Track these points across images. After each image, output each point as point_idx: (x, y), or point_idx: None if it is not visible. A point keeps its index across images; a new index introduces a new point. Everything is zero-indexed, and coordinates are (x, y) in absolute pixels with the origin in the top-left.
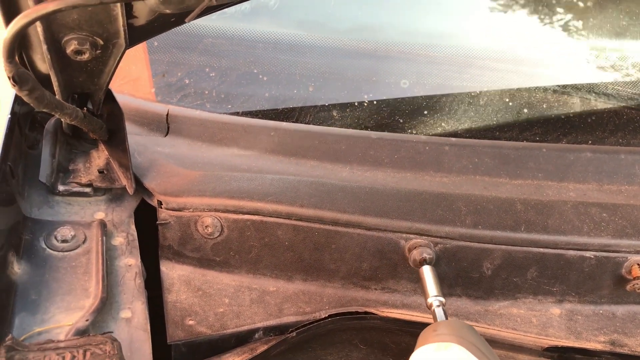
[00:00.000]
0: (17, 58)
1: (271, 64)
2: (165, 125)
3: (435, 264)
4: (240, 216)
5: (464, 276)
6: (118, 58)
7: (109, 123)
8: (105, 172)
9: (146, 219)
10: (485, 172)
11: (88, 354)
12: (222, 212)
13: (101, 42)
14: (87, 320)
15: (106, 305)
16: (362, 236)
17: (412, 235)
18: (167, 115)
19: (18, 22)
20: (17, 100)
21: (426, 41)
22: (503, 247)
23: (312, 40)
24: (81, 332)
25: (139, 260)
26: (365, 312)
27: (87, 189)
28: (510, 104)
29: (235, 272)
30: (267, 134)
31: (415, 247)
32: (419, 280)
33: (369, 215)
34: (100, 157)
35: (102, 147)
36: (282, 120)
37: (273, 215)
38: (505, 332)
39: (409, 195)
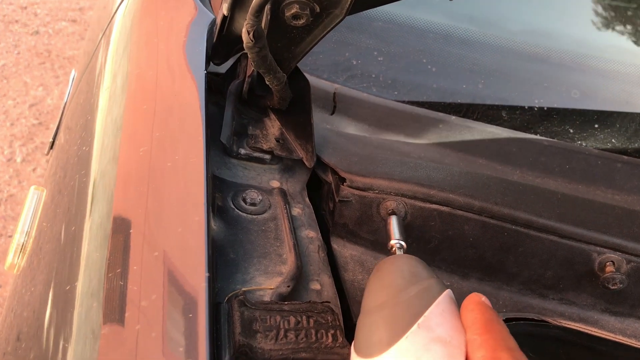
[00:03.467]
0: None
1: (441, 55)
2: (331, 104)
3: (627, 282)
4: (428, 205)
5: None
6: (328, 29)
7: (293, 93)
8: (281, 141)
9: None
10: None
11: (312, 321)
12: (410, 197)
13: (318, 10)
14: (288, 287)
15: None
16: (555, 243)
17: (606, 250)
18: (334, 94)
19: None
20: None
21: (599, 54)
22: None
23: (483, 37)
24: (283, 297)
25: (319, 233)
26: (541, 321)
27: (267, 156)
28: None
29: None
30: (436, 125)
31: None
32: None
33: (565, 222)
34: (273, 126)
35: (273, 116)
36: (450, 114)
37: (464, 208)
38: None
39: (603, 208)
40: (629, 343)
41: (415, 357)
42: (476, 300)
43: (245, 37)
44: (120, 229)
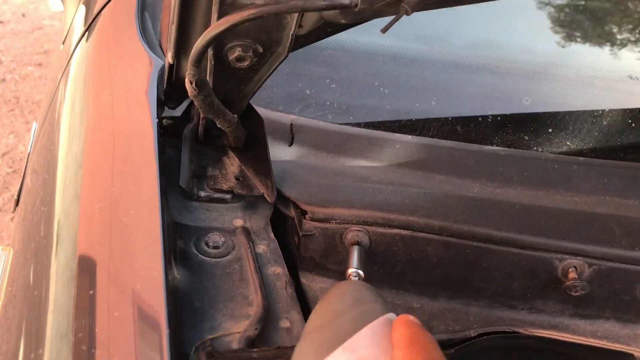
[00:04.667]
0: None
1: (391, 76)
2: (289, 135)
3: (590, 285)
4: (389, 230)
5: (615, 299)
6: (274, 67)
7: (247, 131)
8: (241, 179)
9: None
10: (615, 193)
11: None
12: (371, 224)
13: (261, 50)
14: (256, 329)
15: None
16: (516, 255)
17: (566, 256)
18: (291, 125)
19: (217, 28)
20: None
21: (546, 59)
22: None
23: (431, 54)
24: (251, 341)
25: (286, 268)
26: (513, 332)
27: (227, 196)
28: (633, 125)
29: (377, 287)
30: (392, 146)
31: None
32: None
33: (525, 233)
34: (232, 164)
35: (232, 154)
36: (405, 133)
37: (424, 230)
38: None
39: (561, 214)
40: (601, 345)
41: None
42: (403, 320)
43: (188, 86)
44: (83, 294)
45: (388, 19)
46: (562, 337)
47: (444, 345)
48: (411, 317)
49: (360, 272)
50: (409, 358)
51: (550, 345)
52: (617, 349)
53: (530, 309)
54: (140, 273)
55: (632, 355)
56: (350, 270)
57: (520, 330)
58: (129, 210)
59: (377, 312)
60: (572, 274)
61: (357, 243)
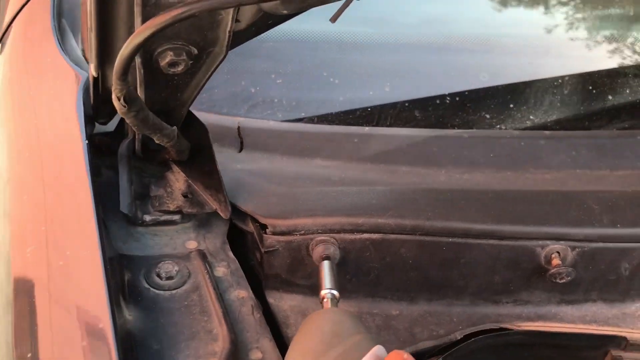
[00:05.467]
0: None
1: (340, 65)
2: (237, 140)
3: (575, 269)
4: (359, 235)
5: (601, 279)
6: (212, 69)
7: (191, 141)
8: (189, 196)
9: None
10: (585, 164)
11: None
12: (338, 232)
13: (195, 52)
14: None
15: None
16: (496, 247)
17: (548, 242)
18: (239, 128)
19: (142, 33)
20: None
21: (500, 31)
22: None
23: (379, 37)
24: None
25: (250, 291)
26: (501, 329)
27: (176, 217)
28: (594, 91)
29: (352, 298)
30: (350, 141)
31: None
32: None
33: (503, 222)
34: (178, 180)
35: (176, 169)
36: (362, 125)
37: (396, 231)
38: None
39: (537, 197)
40: (589, 331)
41: None
42: (397, 358)
43: (116, 103)
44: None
45: (334, 5)
46: (551, 327)
47: (430, 352)
48: (405, 355)
49: (335, 292)
50: None
51: (541, 338)
52: (608, 332)
53: (515, 301)
54: (86, 324)
55: (624, 337)
56: (324, 292)
57: (508, 326)
58: (64, 251)
59: (363, 347)
60: (555, 260)
61: (327, 257)
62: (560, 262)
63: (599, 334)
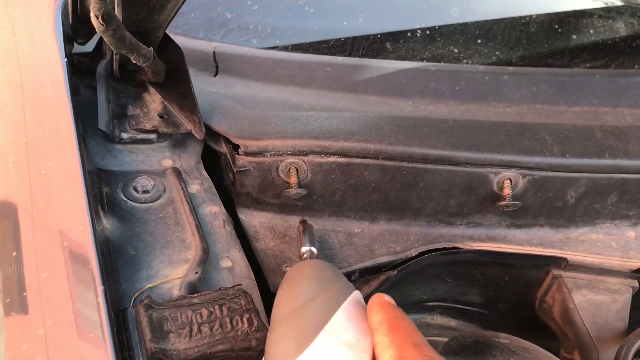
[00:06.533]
0: None
1: None
2: (212, 64)
3: (521, 195)
4: (326, 158)
5: (548, 206)
6: None
7: (167, 64)
8: (165, 116)
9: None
10: (545, 100)
11: (225, 309)
12: (307, 154)
13: None
14: (197, 273)
15: None
16: (452, 172)
17: (501, 169)
18: (214, 53)
19: None
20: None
21: None
22: (589, 175)
23: None
24: (193, 286)
25: (222, 206)
26: (453, 248)
27: (152, 136)
28: (560, 30)
29: (318, 216)
30: (323, 69)
31: None
32: None
33: (460, 149)
34: (155, 100)
35: (153, 90)
36: (335, 54)
37: (360, 155)
38: (591, 258)
39: (494, 127)
40: (535, 252)
41: None
42: (380, 301)
43: (94, 21)
44: (5, 257)
45: None
46: (500, 248)
47: (387, 266)
48: (386, 298)
49: (314, 249)
50: (396, 344)
51: (489, 257)
52: (551, 254)
53: (468, 223)
54: (66, 228)
55: (565, 259)
56: (304, 249)
57: (460, 246)
58: (46, 162)
59: (345, 292)
60: (506, 189)
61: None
62: (510, 191)
63: (543, 255)
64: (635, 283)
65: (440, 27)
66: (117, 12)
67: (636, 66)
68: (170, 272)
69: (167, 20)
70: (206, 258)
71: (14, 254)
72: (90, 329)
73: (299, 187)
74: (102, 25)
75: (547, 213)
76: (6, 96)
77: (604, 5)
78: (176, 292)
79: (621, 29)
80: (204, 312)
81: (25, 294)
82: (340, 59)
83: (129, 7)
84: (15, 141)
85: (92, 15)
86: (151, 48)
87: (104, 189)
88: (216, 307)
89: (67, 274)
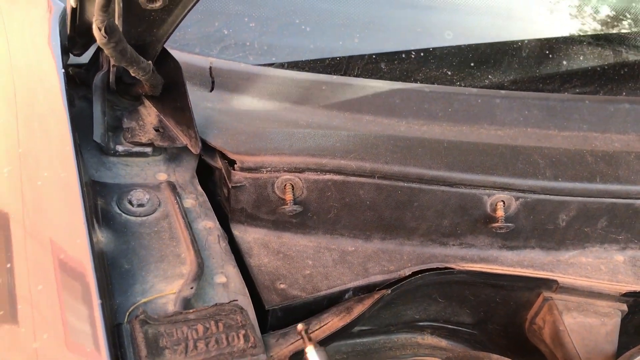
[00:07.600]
0: None
1: (312, 13)
2: (209, 79)
3: (514, 217)
4: (322, 176)
5: (540, 228)
6: (189, 6)
7: (164, 77)
8: (161, 130)
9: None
10: (536, 124)
11: (220, 324)
12: (303, 171)
13: None
14: (192, 288)
15: None
16: (446, 193)
17: (494, 191)
18: (211, 68)
19: None
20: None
21: None
22: (580, 198)
23: None
24: (188, 301)
25: (217, 221)
26: (446, 268)
27: (148, 149)
28: (550, 55)
29: (312, 234)
30: (319, 88)
31: None
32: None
33: (454, 170)
34: (150, 114)
35: (148, 103)
36: (330, 73)
37: (356, 173)
38: (581, 280)
39: (488, 149)
40: (526, 274)
41: None
42: None
43: (97, 34)
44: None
45: None
46: (492, 269)
47: (380, 285)
48: None
49: None
50: None
51: (482, 278)
52: (543, 276)
53: (461, 244)
54: (63, 240)
55: (555, 281)
56: None
57: (453, 266)
58: (43, 173)
59: None
60: (499, 211)
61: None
62: (503, 213)
63: (534, 277)
64: (624, 307)
65: (434, 49)
66: (118, 24)
67: (624, 93)
68: (165, 287)
69: (167, 35)
70: (201, 273)
71: (8, 265)
72: (86, 344)
73: (295, 204)
74: (105, 37)
75: (538, 235)
76: (1, 106)
77: (593, 33)
78: (171, 307)
79: (610, 56)
80: (200, 328)
81: (19, 306)
82: (335, 78)
83: (130, 20)
84: (11, 151)
85: (94, 27)
86: (150, 61)
87: (98, 202)
88: (212, 323)
89: (63, 287)
